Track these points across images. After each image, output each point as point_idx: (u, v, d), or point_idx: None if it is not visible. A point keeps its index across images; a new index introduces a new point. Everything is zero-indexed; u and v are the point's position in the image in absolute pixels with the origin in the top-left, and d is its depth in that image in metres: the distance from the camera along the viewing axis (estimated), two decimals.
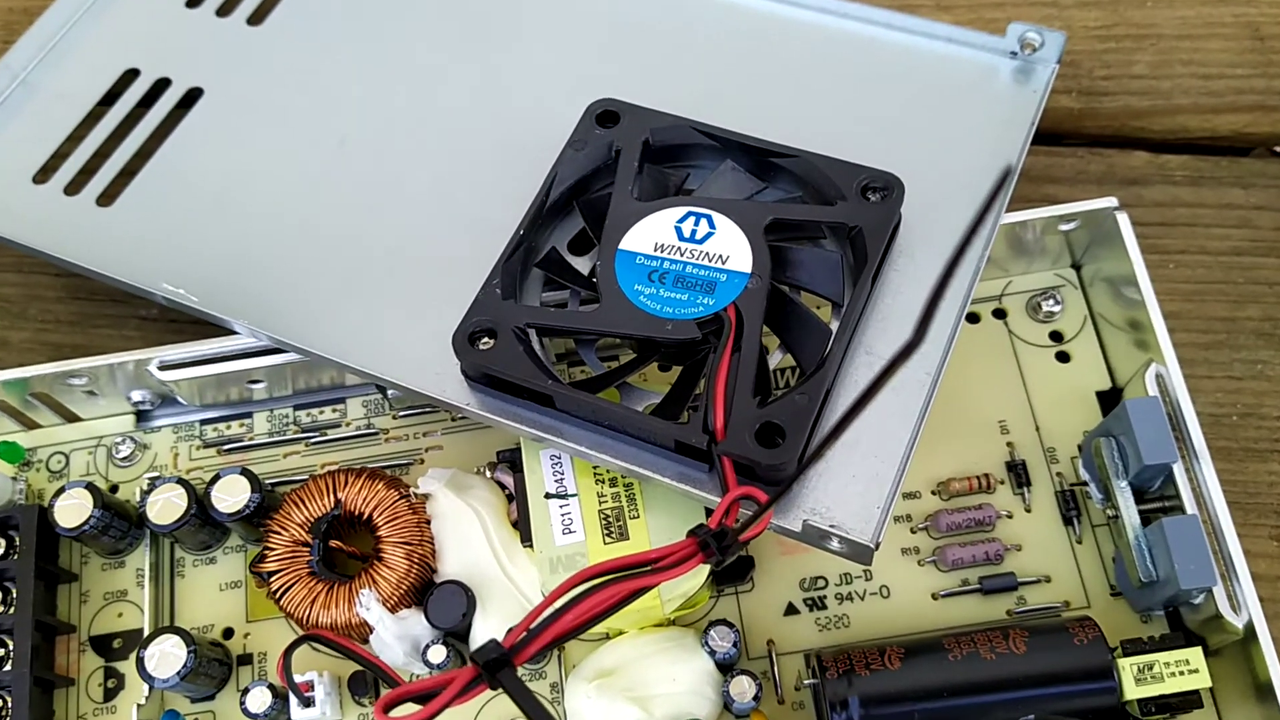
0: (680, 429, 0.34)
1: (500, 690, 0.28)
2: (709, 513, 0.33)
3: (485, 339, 0.36)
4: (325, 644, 0.36)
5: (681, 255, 0.37)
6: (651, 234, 0.38)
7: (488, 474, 0.41)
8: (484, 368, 0.36)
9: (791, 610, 0.40)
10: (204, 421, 0.43)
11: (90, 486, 0.39)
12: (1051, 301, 0.44)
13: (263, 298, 0.40)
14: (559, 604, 0.29)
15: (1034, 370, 0.43)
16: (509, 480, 0.40)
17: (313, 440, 0.43)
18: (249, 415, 0.44)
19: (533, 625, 0.29)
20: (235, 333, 0.40)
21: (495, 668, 0.28)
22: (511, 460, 0.40)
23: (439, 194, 0.42)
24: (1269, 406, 0.43)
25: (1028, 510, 0.41)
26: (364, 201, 0.42)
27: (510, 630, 0.29)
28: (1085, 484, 0.41)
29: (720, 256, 0.37)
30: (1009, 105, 0.42)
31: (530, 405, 0.36)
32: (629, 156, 0.39)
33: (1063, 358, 0.43)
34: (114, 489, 0.42)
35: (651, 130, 0.40)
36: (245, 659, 0.40)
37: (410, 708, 0.29)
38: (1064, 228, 0.42)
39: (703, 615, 0.40)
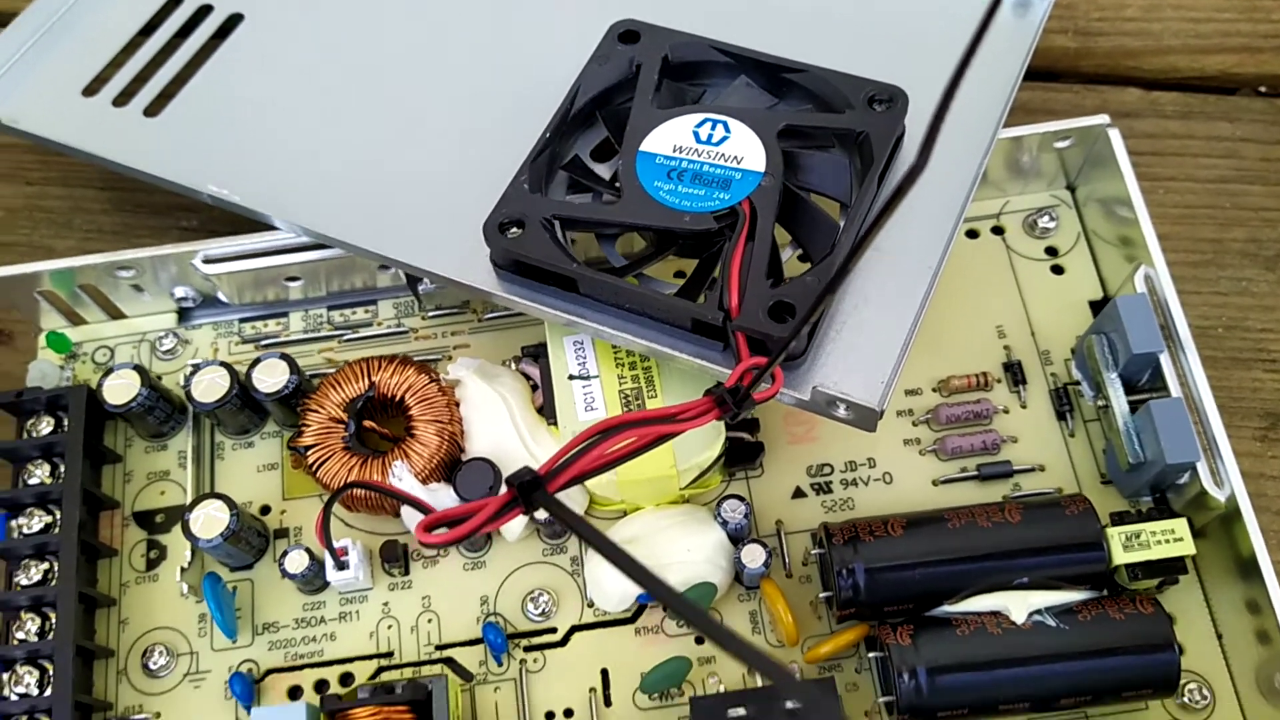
0: (698, 307, 0.37)
1: (538, 507, 0.31)
2: None
3: (514, 229, 0.38)
4: (365, 488, 0.38)
5: (699, 156, 0.39)
6: (670, 137, 0.40)
7: (513, 366, 0.43)
8: (512, 254, 0.38)
9: (799, 494, 0.42)
10: (242, 320, 0.46)
11: (138, 368, 0.41)
12: (1047, 219, 0.46)
13: (303, 198, 0.42)
14: (588, 441, 0.32)
15: (1030, 281, 0.45)
16: (533, 371, 0.42)
17: (345, 338, 0.45)
18: (285, 314, 0.46)
19: (564, 458, 0.31)
20: (276, 229, 0.42)
21: (530, 489, 0.30)
22: (535, 353, 0.42)
23: (470, 102, 0.44)
24: (1253, 320, 0.46)
25: (1023, 406, 0.43)
26: (398, 110, 0.44)
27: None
28: (1078, 383, 0.43)
29: (736, 158, 0.39)
30: (1008, 34, 0.44)
31: (555, 291, 0.38)
32: (649, 70, 0.41)
33: (1057, 270, 0.46)
34: (158, 379, 0.45)
35: (670, 47, 0.42)
36: (282, 533, 0.42)
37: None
38: (1059, 145, 0.44)
39: (715, 496, 0.42)
